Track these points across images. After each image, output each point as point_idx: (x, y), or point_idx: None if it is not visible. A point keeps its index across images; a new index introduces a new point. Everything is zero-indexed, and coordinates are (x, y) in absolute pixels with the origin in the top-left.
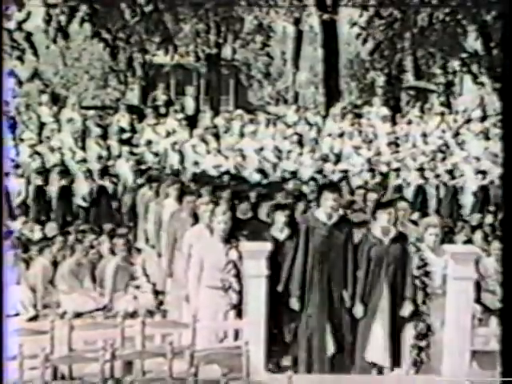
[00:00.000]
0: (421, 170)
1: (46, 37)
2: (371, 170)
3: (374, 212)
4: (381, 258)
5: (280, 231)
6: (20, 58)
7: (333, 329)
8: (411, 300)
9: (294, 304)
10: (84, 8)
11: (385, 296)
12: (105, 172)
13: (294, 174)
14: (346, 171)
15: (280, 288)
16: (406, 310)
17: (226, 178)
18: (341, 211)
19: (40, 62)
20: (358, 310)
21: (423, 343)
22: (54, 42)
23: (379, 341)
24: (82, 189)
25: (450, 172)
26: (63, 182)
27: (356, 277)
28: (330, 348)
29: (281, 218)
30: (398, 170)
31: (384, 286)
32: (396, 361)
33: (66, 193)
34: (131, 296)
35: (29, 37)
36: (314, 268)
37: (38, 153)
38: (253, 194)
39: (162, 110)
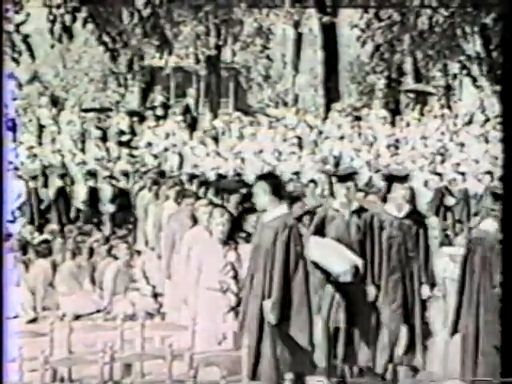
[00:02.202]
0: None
1: (51, 37)
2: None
3: (388, 187)
4: (393, 234)
5: None
6: (19, 61)
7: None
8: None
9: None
10: (84, 10)
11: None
12: (104, 174)
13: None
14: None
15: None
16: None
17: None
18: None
19: (39, 64)
20: (371, 292)
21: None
22: (60, 41)
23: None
24: (82, 191)
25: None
26: (63, 184)
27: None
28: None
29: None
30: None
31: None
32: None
33: (66, 195)
34: (131, 298)
35: (26, 39)
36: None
37: (37, 155)
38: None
39: (162, 113)
